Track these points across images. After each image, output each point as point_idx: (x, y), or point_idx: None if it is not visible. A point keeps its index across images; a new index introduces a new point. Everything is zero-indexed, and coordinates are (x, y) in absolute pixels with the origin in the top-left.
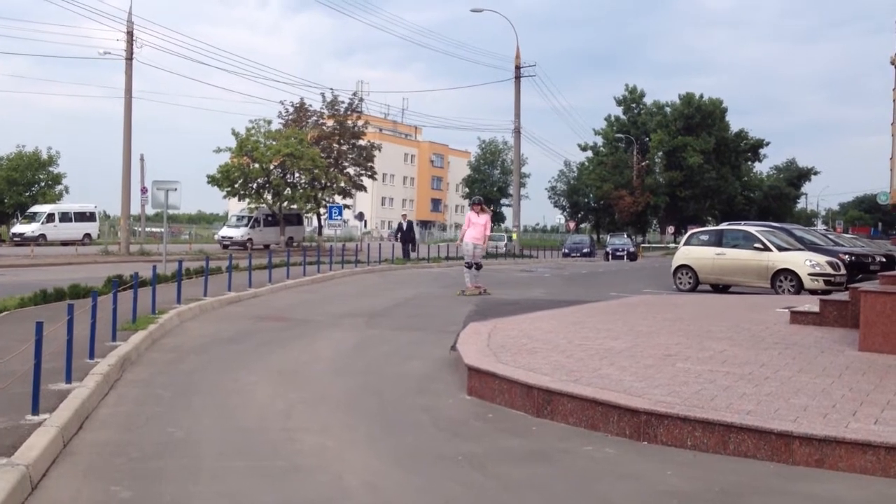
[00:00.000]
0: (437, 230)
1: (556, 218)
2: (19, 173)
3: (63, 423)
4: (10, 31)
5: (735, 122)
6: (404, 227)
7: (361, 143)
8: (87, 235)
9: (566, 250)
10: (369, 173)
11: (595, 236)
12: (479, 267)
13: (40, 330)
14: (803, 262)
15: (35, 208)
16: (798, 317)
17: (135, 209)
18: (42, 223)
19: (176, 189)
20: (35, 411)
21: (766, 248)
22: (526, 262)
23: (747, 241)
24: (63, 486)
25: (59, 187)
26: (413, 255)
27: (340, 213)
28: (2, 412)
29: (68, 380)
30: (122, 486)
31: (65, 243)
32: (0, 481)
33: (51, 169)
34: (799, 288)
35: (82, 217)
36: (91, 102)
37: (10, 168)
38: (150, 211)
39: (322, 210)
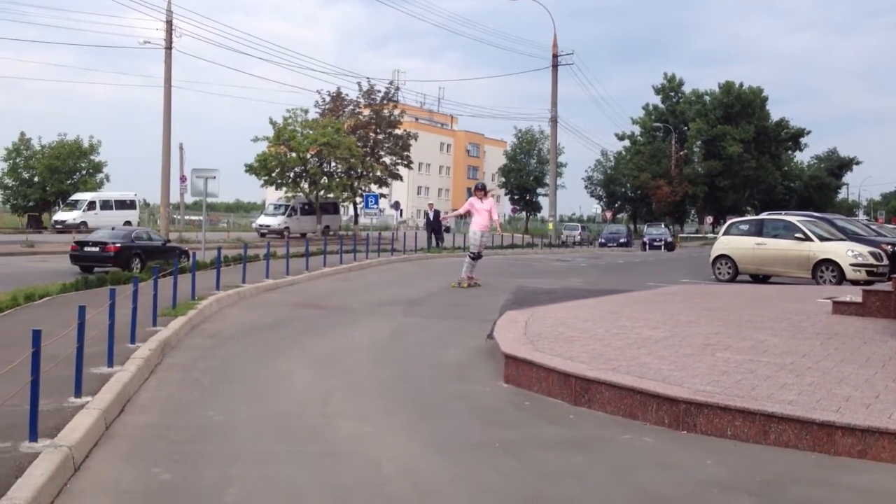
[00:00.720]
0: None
1: (593, 207)
2: (61, 161)
3: (105, 406)
4: (54, 20)
5: (775, 112)
6: (431, 217)
7: (397, 132)
8: (128, 223)
9: (603, 240)
10: (405, 162)
11: (632, 226)
12: (479, 257)
13: (83, 314)
14: (845, 253)
15: (76, 196)
16: (840, 307)
17: (174, 197)
18: (83, 211)
19: (214, 177)
20: (78, 394)
21: (808, 239)
22: (562, 252)
23: (788, 231)
24: (105, 467)
25: (100, 175)
26: (440, 244)
27: (376, 202)
28: (46, 395)
29: (110, 364)
30: (163, 469)
31: None
32: (44, 462)
33: (92, 157)
34: (840, 278)
35: (123, 205)
36: (131, 92)
37: (51, 156)
38: (188, 199)
39: (358, 199)
